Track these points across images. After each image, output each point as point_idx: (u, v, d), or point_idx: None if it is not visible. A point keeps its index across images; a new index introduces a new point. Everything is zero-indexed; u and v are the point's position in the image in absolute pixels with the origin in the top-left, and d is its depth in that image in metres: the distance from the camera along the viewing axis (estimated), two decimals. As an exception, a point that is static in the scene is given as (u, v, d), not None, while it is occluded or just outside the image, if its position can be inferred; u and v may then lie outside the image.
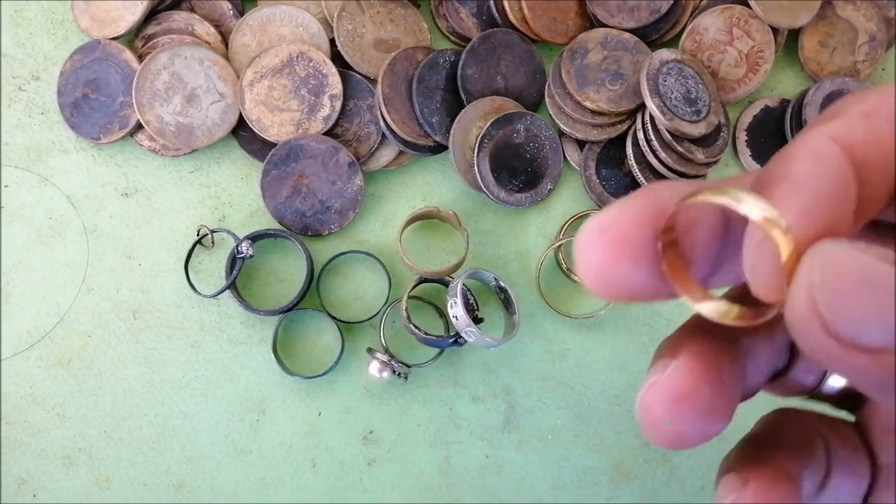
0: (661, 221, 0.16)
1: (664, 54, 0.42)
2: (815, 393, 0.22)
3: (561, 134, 0.44)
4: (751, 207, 0.15)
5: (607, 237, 0.16)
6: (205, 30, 0.43)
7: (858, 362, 0.14)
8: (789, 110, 0.45)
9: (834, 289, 0.14)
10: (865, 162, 0.16)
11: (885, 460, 0.20)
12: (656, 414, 0.17)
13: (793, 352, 0.21)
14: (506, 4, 0.43)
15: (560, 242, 0.43)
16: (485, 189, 0.42)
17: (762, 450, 0.20)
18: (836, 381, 0.22)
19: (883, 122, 0.16)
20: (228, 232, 0.41)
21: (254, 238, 0.41)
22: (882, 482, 0.20)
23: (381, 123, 0.43)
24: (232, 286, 0.41)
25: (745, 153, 0.46)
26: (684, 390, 0.17)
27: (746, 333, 0.19)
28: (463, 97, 0.43)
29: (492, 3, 0.44)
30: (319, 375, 0.41)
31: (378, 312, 0.42)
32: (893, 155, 0.16)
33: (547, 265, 0.44)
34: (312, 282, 0.42)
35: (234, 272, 0.40)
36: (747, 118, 0.46)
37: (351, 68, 0.43)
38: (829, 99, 0.44)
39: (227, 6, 0.44)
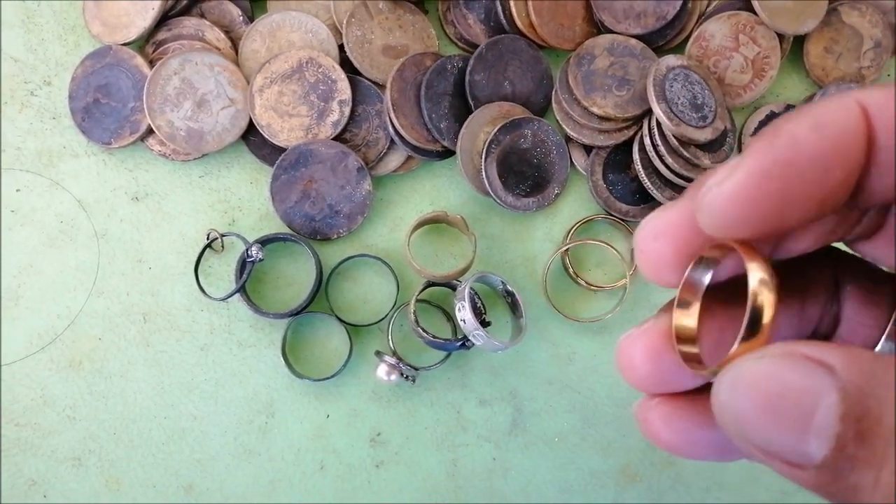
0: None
1: (670, 60, 0.42)
2: None
3: (568, 139, 0.45)
4: (752, 276, 0.16)
5: (662, 243, 0.18)
6: (215, 36, 0.43)
7: (780, 470, 0.15)
8: (795, 116, 0.45)
9: (739, 411, 0.15)
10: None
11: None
12: (633, 356, 0.20)
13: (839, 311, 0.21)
14: (513, 10, 0.44)
15: (567, 247, 0.44)
16: (492, 194, 0.43)
17: None
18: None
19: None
20: (238, 236, 0.41)
21: (263, 242, 0.41)
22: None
23: (390, 129, 0.43)
24: (241, 289, 0.41)
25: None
26: (663, 338, 0.19)
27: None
28: (471, 103, 0.43)
29: (499, 9, 0.44)
30: (328, 378, 0.42)
31: (386, 316, 0.43)
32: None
33: (554, 269, 0.44)
34: (321, 285, 0.43)
35: (244, 276, 0.41)
36: (753, 124, 0.46)
37: (360, 74, 0.44)
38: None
39: (237, 12, 0.44)
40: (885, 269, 0.20)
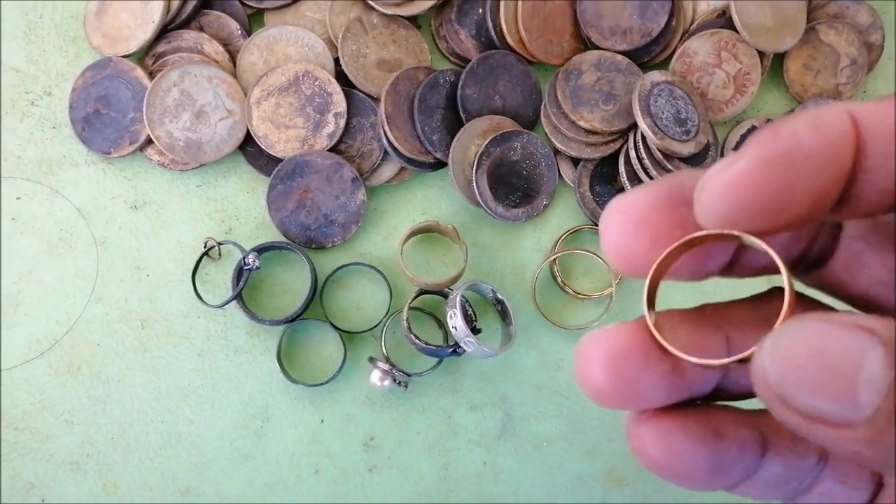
0: (679, 207, 0.17)
1: (655, 76, 0.44)
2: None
3: (556, 152, 0.46)
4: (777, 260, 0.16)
5: (626, 217, 0.18)
6: (213, 48, 0.45)
7: (825, 435, 0.14)
8: (775, 130, 0.47)
9: (783, 376, 0.14)
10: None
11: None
12: (591, 360, 0.18)
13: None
14: (503, 27, 0.45)
15: (555, 256, 0.45)
16: (483, 204, 0.44)
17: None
18: None
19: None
20: (235, 244, 0.42)
21: (260, 250, 0.42)
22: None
23: (384, 140, 0.44)
24: (238, 297, 0.42)
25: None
26: (623, 342, 0.18)
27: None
28: (462, 116, 0.44)
29: (490, 24, 0.46)
30: (322, 384, 0.43)
31: (379, 323, 0.44)
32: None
33: (542, 278, 0.46)
34: (316, 293, 0.44)
35: (241, 283, 0.42)
36: (735, 138, 0.48)
37: (355, 87, 0.45)
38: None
39: (235, 26, 0.45)
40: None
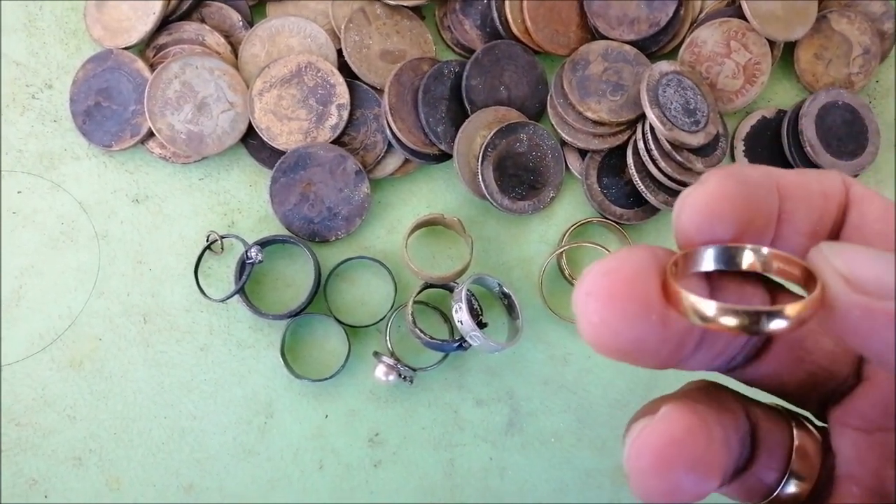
0: (661, 271, 0.17)
1: (664, 66, 0.43)
2: (774, 499, 0.20)
3: (563, 143, 0.45)
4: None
5: (611, 280, 0.16)
6: (215, 40, 0.44)
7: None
8: (786, 121, 0.46)
9: (844, 253, 0.16)
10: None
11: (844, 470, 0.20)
12: (646, 461, 0.16)
13: (753, 446, 0.20)
14: (509, 16, 0.44)
15: (562, 249, 0.44)
16: (488, 197, 0.43)
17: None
18: (791, 487, 0.20)
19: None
20: (238, 238, 0.42)
21: (263, 244, 0.42)
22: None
23: (388, 132, 0.44)
24: (241, 291, 0.42)
25: (742, 163, 0.47)
26: (676, 435, 0.17)
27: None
28: (467, 107, 0.44)
29: (495, 14, 0.45)
30: (326, 379, 0.42)
31: (384, 317, 0.43)
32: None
33: (549, 271, 0.45)
34: (320, 287, 0.43)
35: (244, 277, 0.41)
36: (745, 128, 0.47)
37: (358, 78, 0.44)
38: (825, 110, 0.45)
39: (236, 17, 0.45)
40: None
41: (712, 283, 0.18)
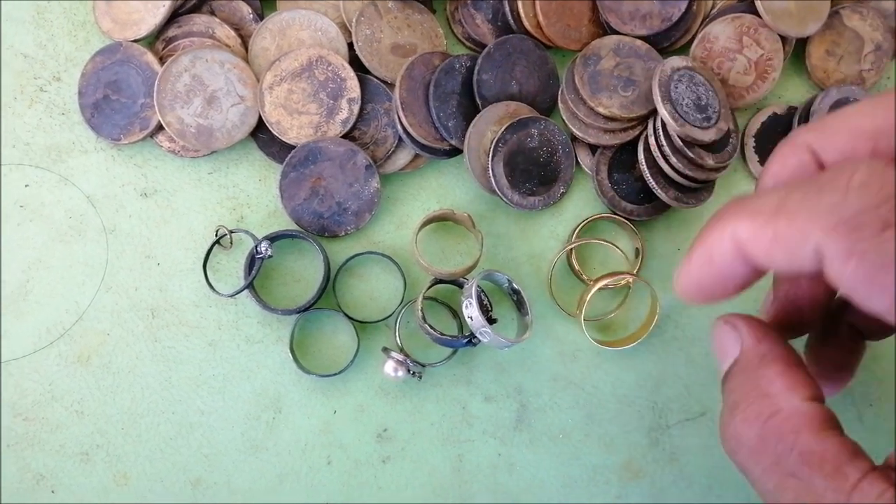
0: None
1: (675, 61, 0.43)
2: None
3: (573, 139, 0.45)
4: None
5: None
6: (225, 33, 0.44)
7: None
8: (797, 117, 0.46)
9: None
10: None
11: None
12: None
13: None
14: (521, 11, 0.44)
15: (572, 246, 0.44)
16: (499, 192, 0.43)
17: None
18: None
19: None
20: (247, 232, 0.42)
21: (272, 239, 0.42)
22: None
23: (398, 127, 0.43)
24: (250, 286, 0.41)
25: (752, 159, 0.47)
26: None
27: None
28: (478, 102, 0.44)
29: (507, 9, 0.45)
30: (335, 374, 0.42)
31: (393, 312, 0.43)
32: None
33: (559, 267, 0.45)
34: (329, 282, 0.43)
35: (253, 272, 0.41)
36: (756, 125, 0.47)
37: (368, 72, 0.44)
38: (836, 106, 0.45)
39: (247, 10, 0.44)
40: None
41: None
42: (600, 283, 0.43)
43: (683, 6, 0.44)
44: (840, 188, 0.22)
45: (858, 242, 0.21)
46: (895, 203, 0.21)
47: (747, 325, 0.30)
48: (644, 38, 0.45)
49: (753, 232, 0.24)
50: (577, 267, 0.45)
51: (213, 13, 0.44)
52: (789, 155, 0.28)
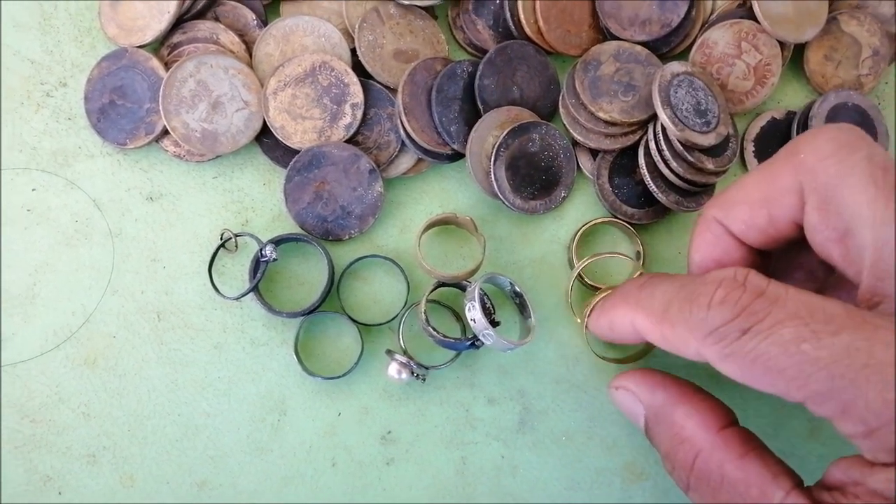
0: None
1: (675, 67, 0.43)
2: None
3: (574, 143, 0.46)
4: None
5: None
6: (229, 39, 0.44)
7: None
8: (795, 122, 0.47)
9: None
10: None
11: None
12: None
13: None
14: (521, 17, 0.45)
15: (580, 268, 0.44)
16: (501, 196, 0.44)
17: None
18: None
19: None
20: (252, 236, 0.42)
21: (277, 242, 0.42)
22: None
23: (401, 132, 0.44)
24: (255, 289, 0.42)
25: (752, 163, 0.47)
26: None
27: None
28: (480, 107, 0.44)
29: (508, 15, 0.45)
30: (339, 376, 0.42)
31: (397, 315, 0.43)
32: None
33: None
34: (333, 285, 0.43)
35: (258, 275, 0.41)
36: (755, 129, 0.47)
37: (371, 78, 0.44)
38: (834, 111, 0.45)
39: (250, 16, 0.45)
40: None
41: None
42: (604, 295, 0.43)
43: (683, 12, 0.45)
44: (704, 305, 0.28)
45: (725, 349, 0.27)
46: (748, 312, 0.27)
47: (635, 382, 0.36)
48: (644, 44, 0.45)
49: (648, 327, 0.32)
50: (588, 281, 0.45)
51: (217, 19, 0.45)
52: (704, 231, 0.35)
